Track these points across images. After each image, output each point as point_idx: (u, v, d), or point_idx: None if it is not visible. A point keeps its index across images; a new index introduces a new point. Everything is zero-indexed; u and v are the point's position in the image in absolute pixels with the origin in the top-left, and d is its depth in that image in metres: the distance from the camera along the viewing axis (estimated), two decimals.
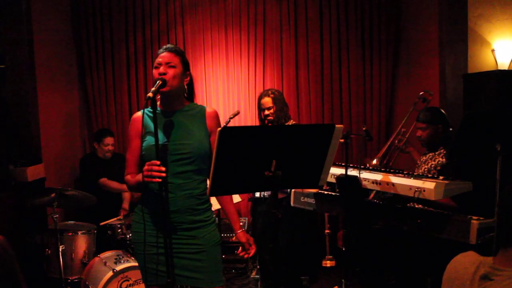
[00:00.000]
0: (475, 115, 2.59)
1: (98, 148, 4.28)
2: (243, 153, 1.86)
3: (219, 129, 1.75)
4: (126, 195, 4.33)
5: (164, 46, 2.23)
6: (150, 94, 1.97)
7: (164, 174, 1.97)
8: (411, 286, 3.16)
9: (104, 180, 4.14)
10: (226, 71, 4.86)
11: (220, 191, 1.99)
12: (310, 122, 4.88)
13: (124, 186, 2.84)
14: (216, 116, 2.31)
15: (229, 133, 1.79)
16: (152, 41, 4.77)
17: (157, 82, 2.05)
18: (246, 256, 2.38)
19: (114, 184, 4.12)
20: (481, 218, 2.42)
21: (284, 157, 1.95)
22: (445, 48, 4.20)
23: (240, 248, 2.39)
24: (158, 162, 1.97)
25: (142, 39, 4.77)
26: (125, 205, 4.30)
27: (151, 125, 2.13)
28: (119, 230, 3.65)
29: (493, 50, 4.38)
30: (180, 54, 2.22)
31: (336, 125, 2.02)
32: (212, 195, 1.99)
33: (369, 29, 4.86)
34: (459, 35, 4.24)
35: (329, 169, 2.17)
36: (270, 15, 4.83)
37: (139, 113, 2.26)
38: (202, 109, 2.29)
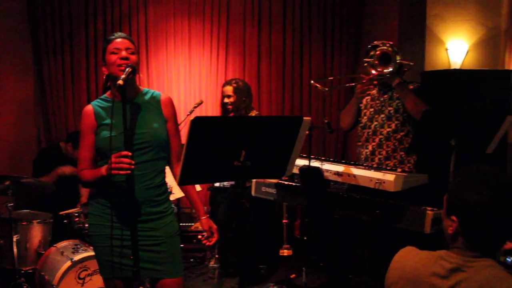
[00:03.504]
0: (432, 112, 2.71)
1: (66, 148, 4.13)
2: (214, 143, 1.87)
3: (191, 118, 1.75)
4: (84, 192, 4.20)
5: (116, 34, 2.18)
6: (120, 82, 1.93)
7: (133, 166, 1.94)
8: (367, 274, 3.30)
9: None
10: (188, 60, 4.82)
11: (190, 180, 2.00)
12: (271, 113, 4.93)
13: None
14: (171, 103, 2.29)
15: (201, 122, 1.79)
16: (113, 27, 4.65)
17: (127, 69, 2.01)
18: (207, 244, 2.37)
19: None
20: (435, 208, 2.55)
21: (253, 147, 1.98)
22: (403, 45, 4.35)
23: (204, 236, 2.38)
24: (128, 153, 1.94)
25: (103, 25, 4.64)
26: (84, 200, 4.18)
27: (105, 116, 2.11)
28: (77, 219, 3.56)
29: (446, 49, 4.58)
30: (134, 42, 2.21)
31: (304, 118, 2.07)
32: (182, 184, 1.99)
33: (331, 22, 4.97)
34: (417, 33, 4.40)
35: (295, 160, 2.23)
36: (234, 5, 4.83)
37: (90, 107, 2.20)
38: (157, 95, 2.26)
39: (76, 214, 3.57)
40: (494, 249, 1.36)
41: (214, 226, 2.36)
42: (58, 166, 4.01)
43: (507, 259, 1.43)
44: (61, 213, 3.59)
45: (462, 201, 1.34)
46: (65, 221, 3.57)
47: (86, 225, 3.47)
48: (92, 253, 3.14)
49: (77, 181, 4.12)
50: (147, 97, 2.24)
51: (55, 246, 3.35)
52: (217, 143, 1.89)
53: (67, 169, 4.01)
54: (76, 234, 3.52)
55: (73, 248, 3.29)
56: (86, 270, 3.17)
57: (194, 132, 1.78)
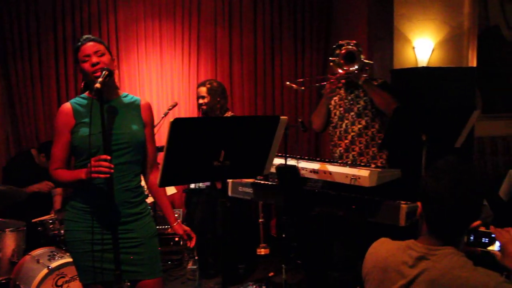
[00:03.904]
0: (402, 108, 2.80)
1: (39, 158, 4.04)
2: (193, 144, 1.90)
3: (171, 120, 1.77)
4: (57, 199, 4.11)
5: (82, 39, 2.16)
6: (98, 85, 1.92)
7: (112, 171, 1.94)
8: (344, 270, 3.37)
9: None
10: (160, 62, 4.79)
11: (171, 181, 2.01)
12: (243, 114, 4.96)
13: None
14: (150, 108, 2.31)
15: (180, 124, 1.81)
16: (83, 29, 4.55)
17: (103, 72, 2.01)
18: (191, 246, 2.38)
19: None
20: (408, 202, 2.63)
21: (232, 147, 2.01)
22: (373, 44, 4.45)
23: (182, 241, 2.38)
24: (107, 157, 1.93)
25: (72, 27, 4.54)
26: (57, 206, 4.10)
27: (84, 116, 2.09)
28: (51, 226, 3.51)
29: (413, 48, 4.72)
30: (102, 42, 2.19)
31: (281, 117, 2.12)
32: (162, 186, 2.00)
33: (301, 22, 5.04)
34: (385, 32, 4.52)
35: (273, 159, 2.27)
36: (205, 7, 4.83)
37: (68, 105, 2.17)
38: (137, 100, 2.27)
39: (51, 221, 3.52)
40: (454, 236, 1.42)
41: (188, 228, 2.37)
42: (30, 176, 3.93)
43: (470, 237, 1.50)
44: (34, 220, 3.52)
45: (424, 188, 1.43)
46: (39, 228, 3.51)
47: (62, 231, 3.43)
48: (69, 260, 3.11)
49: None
50: (127, 100, 2.24)
51: (30, 254, 3.29)
52: (196, 144, 1.91)
53: (44, 187, 3.92)
54: (51, 241, 3.46)
55: (49, 256, 3.23)
56: (64, 277, 3.12)
57: (174, 134, 1.80)
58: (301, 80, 3.32)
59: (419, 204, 1.46)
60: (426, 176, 1.44)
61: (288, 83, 3.27)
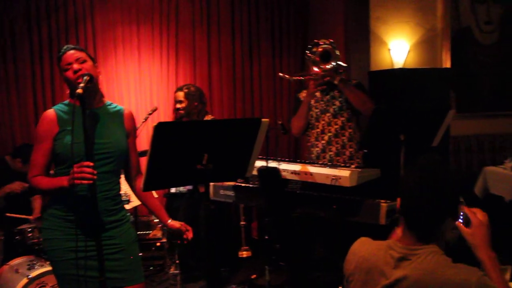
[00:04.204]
0: (381, 109, 2.86)
1: (14, 163, 3.96)
2: (176, 148, 1.90)
3: (155, 124, 1.77)
4: (37, 205, 4.04)
5: (62, 49, 2.15)
6: (80, 91, 1.91)
7: (95, 177, 1.92)
8: (326, 269, 3.41)
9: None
10: (138, 67, 4.77)
11: (155, 185, 2.01)
12: (223, 117, 4.98)
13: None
14: (133, 118, 2.32)
15: (164, 128, 1.81)
16: (59, 34, 4.50)
17: (84, 77, 2.00)
18: (190, 237, 2.36)
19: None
20: (388, 200, 2.68)
21: (215, 150, 2.02)
22: (350, 46, 4.52)
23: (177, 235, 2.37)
24: (90, 164, 1.92)
25: (48, 33, 4.49)
26: (37, 214, 4.02)
27: (68, 123, 2.07)
28: (30, 235, 3.45)
29: (389, 50, 4.81)
30: (83, 49, 2.19)
31: (262, 119, 2.14)
32: (146, 190, 2.00)
33: (278, 26, 5.10)
34: (362, 35, 4.59)
35: (255, 161, 2.29)
36: (182, 11, 4.83)
37: (52, 111, 2.15)
38: (120, 109, 2.27)
39: (29, 230, 3.45)
40: (429, 231, 1.43)
41: (182, 222, 2.37)
42: (6, 184, 3.85)
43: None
44: (14, 229, 3.45)
45: (401, 183, 1.47)
46: (17, 237, 3.44)
47: (41, 239, 3.37)
48: (50, 268, 3.05)
49: (28, 195, 3.99)
50: (111, 108, 2.24)
51: (8, 264, 3.22)
52: (180, 148, 1.92)
53: (16, 186, 3.84)
54: (30, 250, 3.40)
55: (29, 265, 3.17)
56: (44, 286, 3.06)
57: (157, 138, 1.80)
58: (281, 74, 3.39)
59: (398, 199, 1.49)
60: (404, 172, 1.48)
61: (280, 74, 3.39)
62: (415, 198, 1.40)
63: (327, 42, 3.21)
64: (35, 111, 4.54)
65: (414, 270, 1.38)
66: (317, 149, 3.36)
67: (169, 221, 2.35)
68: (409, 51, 4.83)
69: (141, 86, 4.80)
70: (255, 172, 3.01)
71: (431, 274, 1.35)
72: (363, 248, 1.54)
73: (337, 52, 3.18)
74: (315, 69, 3.16)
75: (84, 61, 2.11)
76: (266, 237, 3.12)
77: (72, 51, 2.11)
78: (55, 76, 4.54)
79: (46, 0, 4.48)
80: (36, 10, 4.46)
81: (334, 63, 3.15)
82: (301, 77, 3.27)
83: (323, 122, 3.33)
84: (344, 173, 2.64)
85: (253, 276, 4.12)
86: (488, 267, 1.42)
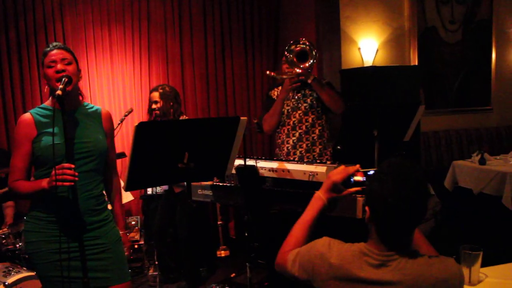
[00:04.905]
0: (355, 107, 2.94)
1: None
2: (158, 147, 1.92)
3: (136, 124, 1.79)
4: (9, 212, 3.95)
5: (51, 45, 2.15)
6: (59, 92, 1.90)
7: (77, 178, 1.92)
8: None
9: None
10: (110, 69, 4.73)
11: (137, 185, 2.02)
12: (197, 117, 4.98)
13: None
14: (111, 119, 2.34)
15: (145, 128, 1.83)
16: (28, 36, 4.40)
17: (63, 79, 1.99)
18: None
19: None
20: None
21: (196, 149, 2.05)
22: (321, 46, 4.61)
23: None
24: (71, 165, 1.91)
25: (16, 34, 4.39)
26: (9, 220, 3.94)
27: (46, 125, 2.07)
28: (4, 242, 3.38)
29: (359, 49, 4.92)
30: (71, 51, 2.19)
31: (241, 117, 2.18)
32: (129, 190, 2.00)
33: (250, 26, 5.14)
34: (333, 34, 4.69)
35: (234, 159, 2.33)
36: (154, 12, 4.82)
37: (28, 115, 2.13)
38: (98, 109, 2.28)
39: (3, 236, 3.39)
40: (403, 237, 1.41)
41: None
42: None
43: (351, 179, 1.60)
44: None
45: (369, 191, 1.43)
46: None
47: (17, 245, 3.31)
48: (27, 274, 3.02)
49: (0, 201, 3.91)
50: (89, 109, 2.24)
51: None
52: (161, 147, 1.94)
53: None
54: (5, 257, 3.33)
55: (4, 272, 3.10)
56: None
57: (138, 138, 1.82)
58: (269, 72, 3.49)
59: (367, 209, 1.44)
60: (370, 179, 1.43)
61: (268, 72, 3.47)
62: (387, 205, 1.35)
63: (307, 43, 3.27)
64: (4, 114, 4.42)
65: (404, 276, 1.37)
66: (287, 145, 3.43)
67: (121, 232, 2.37)
68: (378, 50, 4.96)
69: (114, 88, 4.76)
70: (233, 171, 3.05)
71: (420, 277, 1.36)
72: (332, 254, 1.47)
73: (314, 52, 3.25)
74: (297, 70, 3.22)
75: (69, 63, 2.11)
76: (246, 235, 3.15)
77: (60, 50, 2.11)
78: (24, 78, 4.44)
79: (15, 2, 4.39)
80: (4, 12, 4.36)
81: (310, 63, 3.22)
82: (286, 76, 3.31)
83: (294, 119, 3.40)
84: (320, 169, 2.70)
85: (232, 275, 4.15)
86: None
